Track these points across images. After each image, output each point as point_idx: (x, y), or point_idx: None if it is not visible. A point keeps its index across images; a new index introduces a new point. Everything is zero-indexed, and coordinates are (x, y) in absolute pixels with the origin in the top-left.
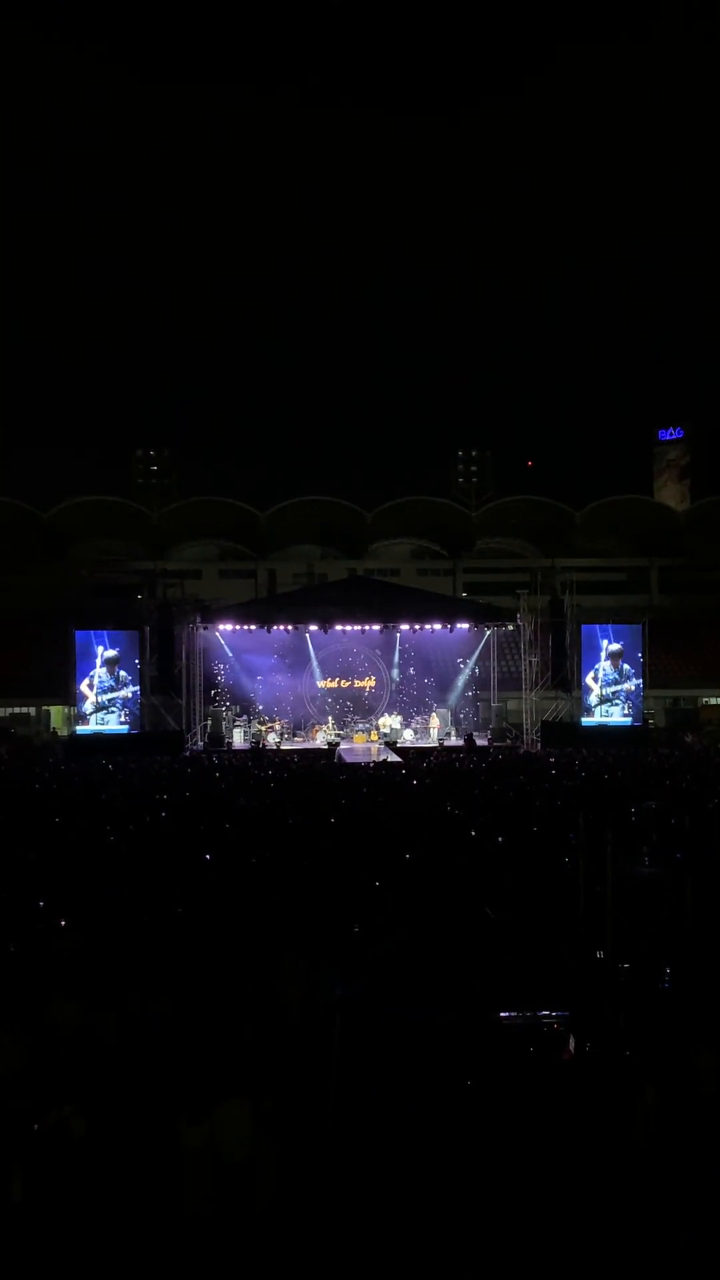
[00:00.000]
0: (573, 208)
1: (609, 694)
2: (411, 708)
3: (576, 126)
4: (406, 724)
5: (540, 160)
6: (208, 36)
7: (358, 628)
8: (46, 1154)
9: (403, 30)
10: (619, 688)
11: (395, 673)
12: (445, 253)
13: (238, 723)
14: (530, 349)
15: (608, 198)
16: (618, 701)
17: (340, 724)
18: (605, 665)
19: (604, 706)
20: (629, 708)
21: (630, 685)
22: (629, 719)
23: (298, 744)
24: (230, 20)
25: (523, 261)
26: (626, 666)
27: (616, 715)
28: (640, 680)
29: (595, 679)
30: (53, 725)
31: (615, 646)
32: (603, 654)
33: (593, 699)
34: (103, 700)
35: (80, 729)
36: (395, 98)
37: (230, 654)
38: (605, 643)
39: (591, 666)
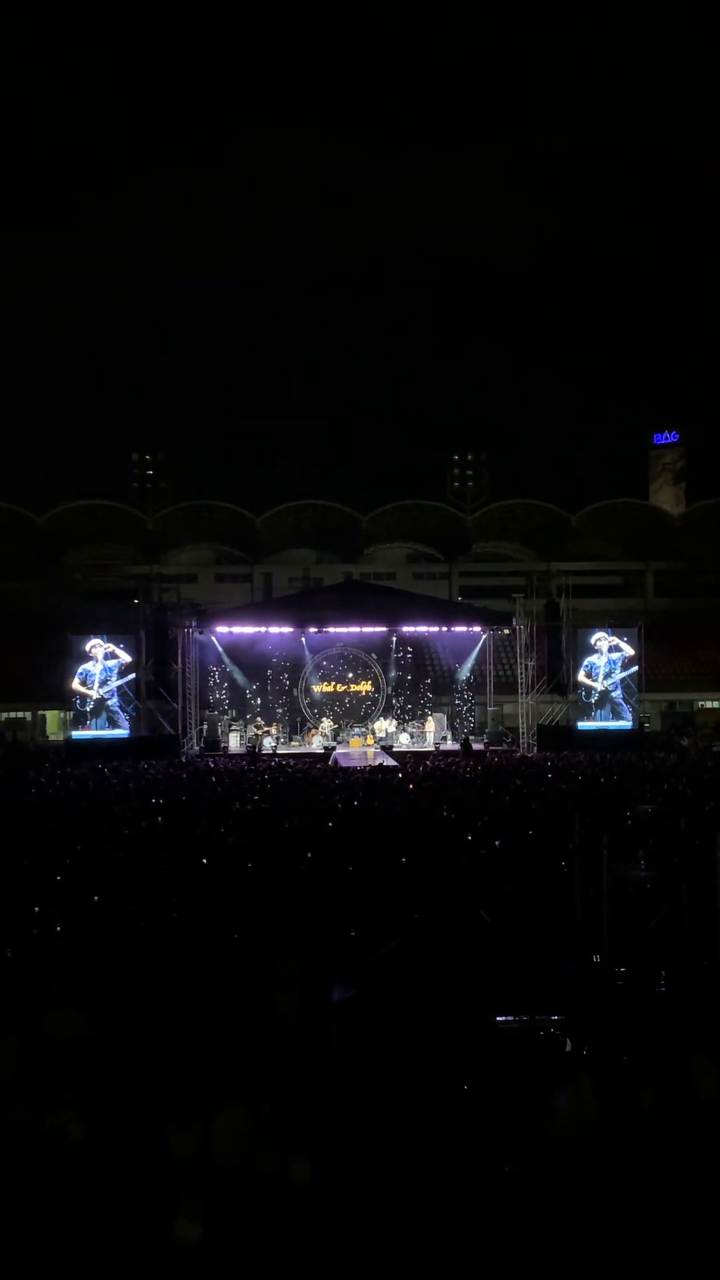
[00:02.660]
0: (569, 210)
1: (610, 686)
2: (407, 712)
3: (573, 128)
4: (402, 728)
5: (538, 163)
6: (208, 33)
7: (354, 631)
8: (46, 1158)
9: (402, 32)
10: (619, 676)
11: (392, 675)
12: (441, 256)
13: (234, 727)
14: (526, 352)
15: (605, 200)
16: (617, 695)
17: (336, 728)
18: (611, 656)
19: (602, 710)
20: (628, 708)
21: (631, 673)
22: (628, 722)
23: (294, 748)
24: (229, 16)
25: (518, 264)
26: (617, 655)
27: (614, 717)
28: (637, 669)
29: (595, 671)
30: (49, 730)
31: (614, 641)
32: (601, 645)
33: (596, 686)
34: (104, 693)
35: (76, 734)
36: (392, 99)
37: (226, 658)
38: (599, 640)
39: (586, 664)
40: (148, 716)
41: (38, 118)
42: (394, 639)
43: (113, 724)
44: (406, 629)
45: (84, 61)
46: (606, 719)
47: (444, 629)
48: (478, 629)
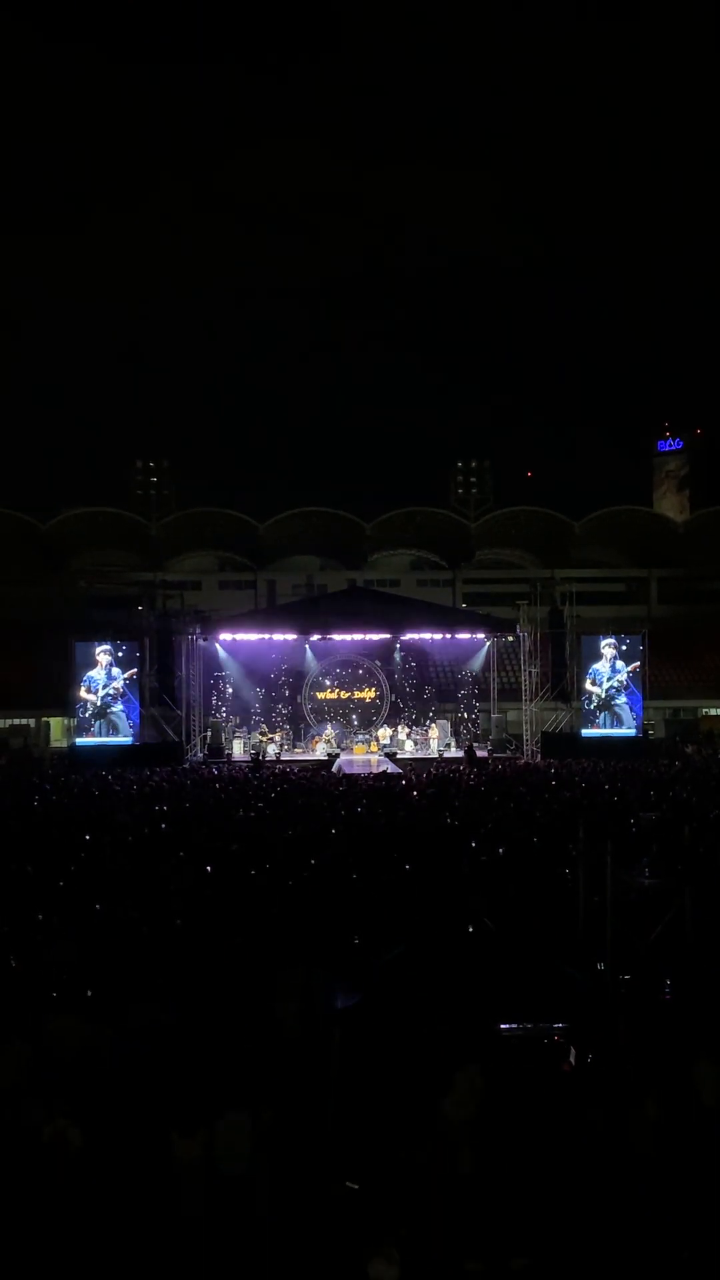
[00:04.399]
0: (572, 217)
1: (610, 690)
2: (411, 719)
3: (573, 132)
4: (406, 735)
5: (540, 171)
6: (212, 45)
7: (357, 638)
8: (45, 1165)
9: (403, 43)
10: (618, 682)
11: (396, 682)
12: (444, 263)
13: (237, 734)
14: (529, 359)
15: (609, 207)
16: (620, 700)
17: (340, 735)
18: (615, 661)
19: (605, 715)
20: (631, 716)
21: (624, 677)
22: (632, 730)
23: (297, 755)
24: (234, 29)
25: (522, 271)
26: (622, 664)
27: (618, 725)
28: (639, 671)
29: (595, 681)
30: (53, 737)
31: (613, 650)
32: (608, 651)
33: (599, 692)
34: (106, 695)
35: (80, 740)
36: (396, 111)
37: (230, 665)
38: (606, 646)
39: (592, 672)
40: (151, 723)
41: (44, 128)
42: (397, 646)
43: (116, 731)
44: (410, 636)
45: (90, 74)
46: (610, 726)
47: (448, 636)
48: (481, 636)
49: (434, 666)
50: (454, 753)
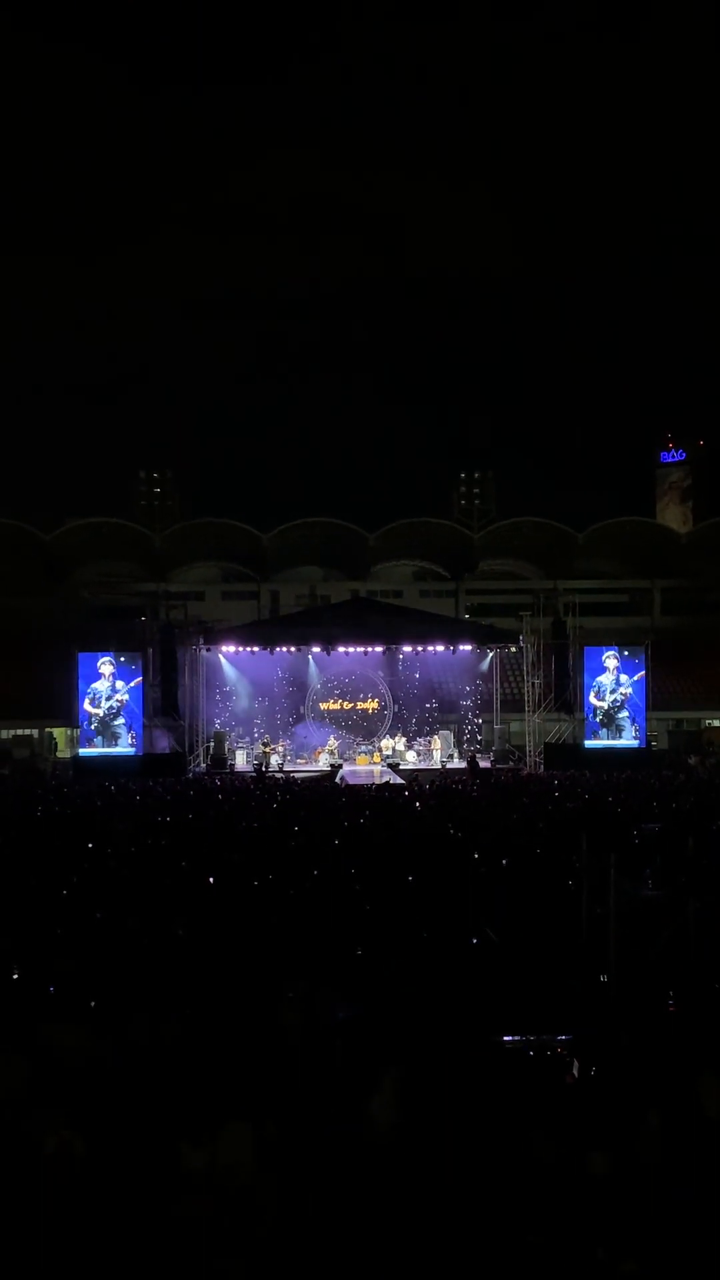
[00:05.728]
0: (576, 229)
1: (614, 703)
2: (414, 730)
3: (575, 144)
4: (409, 746)
5: (538, 178)
6: (211, 62)
7: (360, 649)
8: (48, 1176)
9: (400, 52)
10: (621, 694)
11: (399, 693)
12: (446, 274)
13: (240, 745)
14: (532, 370)
15: (609, 217)
16: (622, 713)
17: (343, 746)
18: (617, 676)
19: (608, 729)
20: (634, 729)
21: (628, 689)
22: (635, 741)
23: (300, 766)
24: (239, 29)
25: (523, 281)
26: (625, 677)
27: (621, 736)
28: (642, 682)
29: (599, 694)
30: (56, 748)
31: (616, 662)
32: (610, 664)
33: (600, 705)
34: (108, 709)
35: (83, 751)
36: (391, 117)
37: (233, 676)
38: (609, 658)
39: (595, 684)
40: (154, 734)
41: (47, 143)
42: (400, 656)
43: (119, 742)
44: (413, 647)
45: (91, 89)
46: (613, 737)
47: (450, 647)
48: (484, 647)
49: (436, 677)
50: (457, 764)
